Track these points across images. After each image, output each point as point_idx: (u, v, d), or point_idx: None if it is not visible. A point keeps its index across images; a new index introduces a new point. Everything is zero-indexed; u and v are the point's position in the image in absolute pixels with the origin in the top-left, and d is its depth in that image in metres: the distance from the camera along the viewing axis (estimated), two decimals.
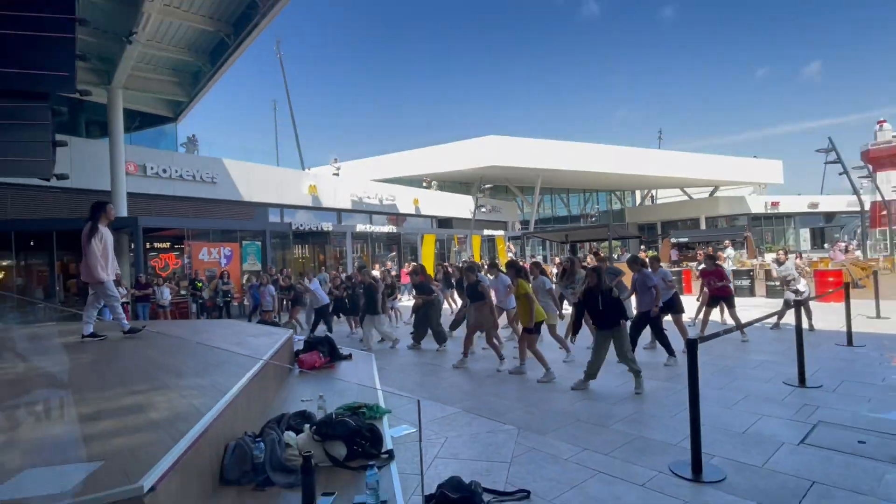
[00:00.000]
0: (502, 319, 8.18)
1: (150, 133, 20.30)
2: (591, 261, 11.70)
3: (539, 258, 27.62)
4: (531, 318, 6.06)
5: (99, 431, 2.12)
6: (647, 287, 6.57)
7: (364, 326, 8.67)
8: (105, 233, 4.81)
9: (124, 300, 12.13)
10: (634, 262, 6.92)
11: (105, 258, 4.75)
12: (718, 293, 7.82)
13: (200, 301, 13.60)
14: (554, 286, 7.82)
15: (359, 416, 2.77)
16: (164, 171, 16.59)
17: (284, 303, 12.46)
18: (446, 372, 6.57)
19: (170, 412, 2.35)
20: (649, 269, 6.83)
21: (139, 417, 2.29)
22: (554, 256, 24.85)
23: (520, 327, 8.55)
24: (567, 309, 8.12)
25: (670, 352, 6.42)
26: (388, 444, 2.58)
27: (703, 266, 8.39)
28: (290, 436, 2.55)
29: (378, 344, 8.90)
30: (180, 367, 3.53)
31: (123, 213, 13.97)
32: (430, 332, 8.44)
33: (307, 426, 2.61)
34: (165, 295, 12.41)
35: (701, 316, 8.04)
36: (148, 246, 14.70)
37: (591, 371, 5.36)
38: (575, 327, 5.91)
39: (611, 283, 5.55)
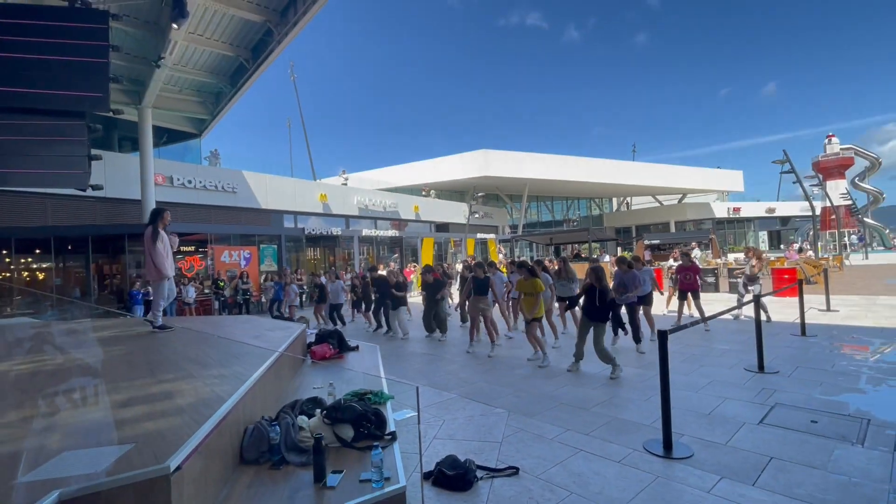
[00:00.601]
0: (496, 312, 8.24)
1: (177, 148, 20.18)
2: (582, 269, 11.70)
3: (524, 258, 27.52)
4: (534, 312, 6.13)
5: (130, 417, 2.11)
6: (635, 284, 6.68)
7: (391, 317, 8.97)
8: (164, 235, 4.89)
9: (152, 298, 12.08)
10: (622, 263, 7.02)
11: (167, 258, 4.87)
12: (691, 286, 7.95)
13: (222, 299, 13.56)
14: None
15: (365, 402, 2.77)
16: (190, 181, 16.51)
17: (302, 298, 12.59)
18: (444, 361, 6.56)
19: (195, 399, 2.34)
20: (636, 271, 6.94)
21: (167, 404, 2.28)
22: (543, 258, 24.84)
23: (511, 319, 8.73)
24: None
25: (637, 339, 6.53)
26: (391, 427, 2.57)
27: (679, 263, 8.54)
28: (302, 420, 2.54)
29: (385, 335, 9.06)
30: (204, 358, 3.51)
31: None
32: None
33: (318, 411, 2.60)
34: (191, 293, 12.37)
35: (671, 307, 8.25)
36: (174, 249, 14.63)
37: (578, 352, 5.56)
38: (572, 302, 6.29)
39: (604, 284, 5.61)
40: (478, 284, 7.21)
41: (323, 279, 11.06)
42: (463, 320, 9.52)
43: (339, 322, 10.19)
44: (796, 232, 39.83)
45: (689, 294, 8.02)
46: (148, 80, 13.08)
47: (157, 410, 2.19)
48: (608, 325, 5.53)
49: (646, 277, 7.15)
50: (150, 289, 12.00)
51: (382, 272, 10.92)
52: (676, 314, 8.23)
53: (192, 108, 17.19)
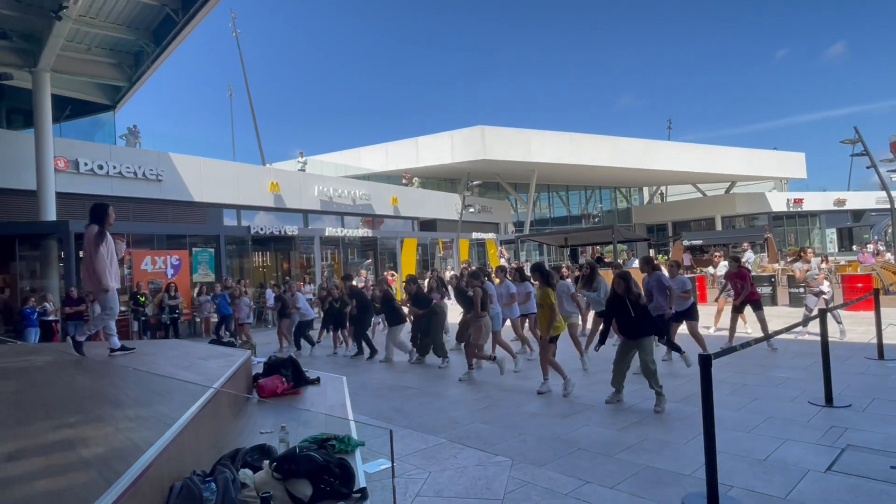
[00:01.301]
0: (508, 330, 8.70)
1: (84, 123, 19.97)
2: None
3: (540, 262, 27.68)
4: (549, 330, 6.22)
5: (18, 473, 2.08)
6: (661, 290, 6.92)
7: (389, 337, 9.18)
8: (109, 238, 4.97)
9: (53, 318, 11.94)
10: (647, 264, 7.24)
11: (110, 265, 4.93)
12: (748, 297, 8.21)
13: (143, 318, 13.41)
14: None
15: (327, 450, 2.76)
16: (101, 167, 16.33)
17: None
18: (430, 396, 6.56)
19: (104, 449, 2.31)
20: (663, 271, 7.17)
21: (68, 456, 2.24)
22: (559, 262, 25.01)
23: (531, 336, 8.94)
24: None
25: (678, 349, 6.80)
26: (360, 482, 2.57)
27: (728, 269, 8.84)
28: (246, 473, 2.53)
29: (353, 358, 9.37)
30: (118, 395, 3.47)
31: (52, 216, 13.71)
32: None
33: (266, 462, 2.59)
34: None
35: (721, 323, 8.50)
36: (81, 255, 14.47)
37: (616, 381, 5.67)
38: (602, 336, 6.23)
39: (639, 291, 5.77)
40: (463, 298, 7.63)
41: (285, 295, 11.10)
42: (458, 341, 9.75)
43: (309, 343, 10.47)
44: (872, 229, 40.65)
45: (751, 305, 8.24)
46: (46, 36, 12.93)
47: (54, 464, 2.16)
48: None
49: (676, 286, 7.37)
50: (47, 306, 11.89)
51: (355, 283, 11.02)
52: (728, 333, 8.39)
53: (104, 72, 17.03)
